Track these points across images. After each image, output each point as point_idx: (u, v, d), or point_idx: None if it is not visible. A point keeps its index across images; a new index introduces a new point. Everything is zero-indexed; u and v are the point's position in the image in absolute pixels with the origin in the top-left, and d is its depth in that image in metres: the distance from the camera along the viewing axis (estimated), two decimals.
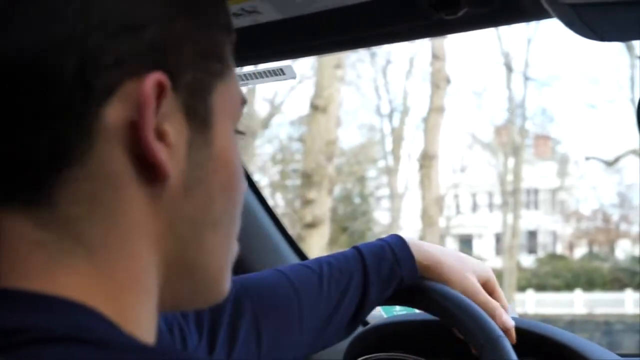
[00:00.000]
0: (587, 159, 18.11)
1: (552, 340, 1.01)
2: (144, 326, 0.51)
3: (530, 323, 1.04)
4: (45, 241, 0.47)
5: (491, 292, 1.00)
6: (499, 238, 20.50)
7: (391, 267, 0.95)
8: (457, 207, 20.96)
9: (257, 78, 1.11)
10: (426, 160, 13.38)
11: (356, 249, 0.97)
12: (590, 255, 18.55)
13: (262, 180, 13.27)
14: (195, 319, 0.85)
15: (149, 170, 0.49)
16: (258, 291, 0.90)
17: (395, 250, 0.96)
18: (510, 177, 16.40)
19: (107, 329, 0.46)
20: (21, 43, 0.46)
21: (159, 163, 0.49)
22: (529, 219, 20.26)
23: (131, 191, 0.49)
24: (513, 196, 16.55)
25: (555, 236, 20.29)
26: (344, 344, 1.19)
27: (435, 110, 12.92)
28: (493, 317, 0.96)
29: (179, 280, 0.53)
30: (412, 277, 0.97)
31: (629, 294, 16.65)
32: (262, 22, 0.93)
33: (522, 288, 17.62)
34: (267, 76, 1.10)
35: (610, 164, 16.59)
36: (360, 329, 1.24)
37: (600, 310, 16.28)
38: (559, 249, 20.21)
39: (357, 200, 16.82)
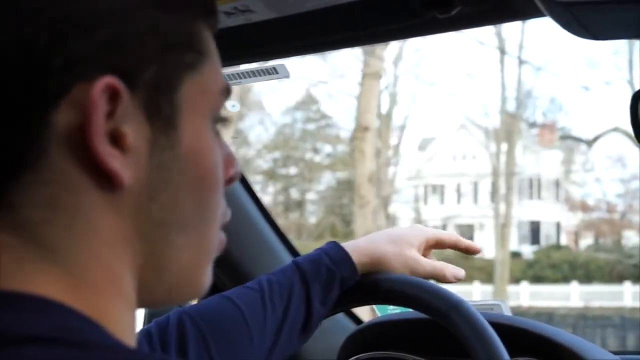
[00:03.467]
0: (563, 138, 17.77)
1: (549, 339, 1.01)
2: (123, 326, 0.50)
3: (527, 322, 1.04)
4: (10, 244, 0.47)
5: (440, 244, 1.06)
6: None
7: (328, 269, 0.97)
8: (459, 196, 20.73)
9: (250, 77, 1.11)
10: (359, 131, 12.34)
11: (293, 261, 0.99)
12: (596, 246, 18.36)
13: None
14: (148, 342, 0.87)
15: (104, 176, 0.48)
16: (205, 318, 0.91)
17: (330, 253, 0.99)
18: (508, 170, 16.22)
19: (89, 329, 0.46)
20: None
21: (111, 170, 0.47)
22: (532, 209, 20.09)
23: (90, 196, 0.48)
24: (506, 184, 16.36)
25: (559, 227, 20.13)
26: (338, 343, 1.19)
27: (370, 76, 12.01)
28: (444, 278, 1.01)
29: (153, 281, 0.52)
30: (353, 275, 0.99)
31: (627, 287, 16.55)
32: (255, 21, 0.93)
33: (517, 280, 17.53)
34: (260, 75, 1.10)
35: (589, 143, 16.49)
36: (354, 328, 1.24)
37: (597, 303, 16.13)
38: (564, 240, 20.06)
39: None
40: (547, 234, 20.52)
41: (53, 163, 0.46)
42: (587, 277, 17.39)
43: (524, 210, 20.43)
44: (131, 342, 0.51)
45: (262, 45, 1.02)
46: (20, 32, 0.45)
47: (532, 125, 18.17)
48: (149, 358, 0.48)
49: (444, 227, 20.93)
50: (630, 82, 14.45)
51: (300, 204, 17.99)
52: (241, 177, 1.40)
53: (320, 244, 1.03)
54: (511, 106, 16.30)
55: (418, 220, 19.43)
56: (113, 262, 0.49)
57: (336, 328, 1.39)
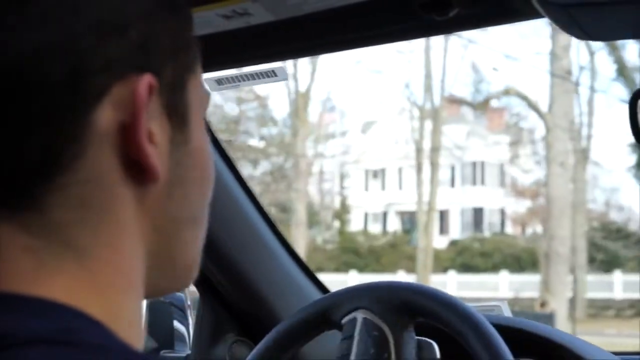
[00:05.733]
0: (449, 101, 17.13)
1: (550, 340, 1.01)
2: (133, 323, 0.51)
3: (528, 323, 1.04)
4: (33, 247, 0.47)
5: None
6: (442, 214, 19.92)
7: None
8: (400, 181, 20.08)
9: (248, 80, 1.11)
10: (296, 115, 12.40)
11: None
12: (535, 234, 17.73)
13: None
14: None
15: (138, 172, 0.49)
16: None
17: None
18: (433, 153, 15.75)
19: (91, 330, 0.46)
20: (11, 47, 0.45)
21: (151, 165, 0.49)
22: (475, 195, 19.52)
23: (120, 194, 0.49)
24: (431, 168, 16.07)
25: (503, 214, 19.52)
26: (335, 343, 1.19)
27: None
28: None
29: (159, 272, 0.54)
30: None
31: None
32: (254, 24, 0.93)
33: (445, 269, 17.14)
34: (258, 78, 1.10)
35: (479, 107, 16.15)
36: None
37: (528, 294, 15.69)
38: (509, 228, 19.48)
39: None
40: (490, 221, 19.86)
41: (90, 163, 0.47)
42: (520, 267, 16.97)
43: (467, 197, 19.95)
44: (138, 338, 0.51)
45: (261, 48, 1.02)
46: (62, 34, 0.46)
47: (479, 107, 17.80)
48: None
49: (385, 214, 20.45)
50: (553, 53, 14.34)
51: None
52: (245, 186, 1.40)
53: None
54: (456, 89, 15.96)
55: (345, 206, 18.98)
56: (132, 258, 0.50)
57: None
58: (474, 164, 19.83)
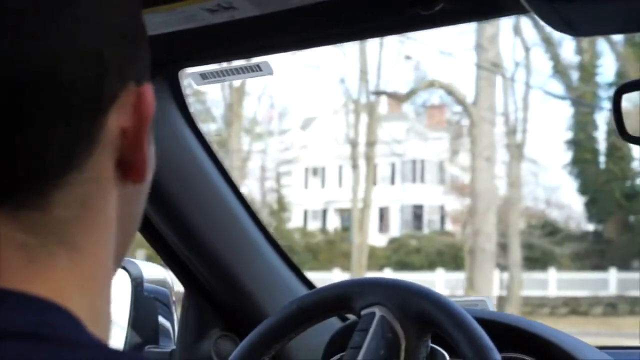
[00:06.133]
0: (375, 93, 16.72)
1: (533, 334, 1.02)
2: (106, 318, 0.52)
3: (511, 318, 1.05)
4: (28, 244, 0.47)
5: None
6: (382, 212, 19.87)
7: None
8: (340, 179, 19.79)
9: (233, 74, 1.10)
10: (232, 111, 12.38)
11: None
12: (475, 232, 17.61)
13: None
14: None
15: (126, 172, 0.51)
16: None
17: None
18: (369, 151, 15.51)
19: (67, 325, 0.46)
20: (43, 52, 0.46)
21: (147, 167, 0.52)
22: (415, 193, 19.37)
23: (112, 193, 0.51)
24: (367, 164, 15.88)
25: (443, 211, 19.36)
26: (324, 341, 1.19)
27: None
28: None
29: (114, 267, 0.55)
30: None
31: (496, 275, 15.65)
32: (239, 18, 0.93)
33: (381, 267, 16.93)
34: (243, 72, 1.10)
35: (402, 99, 15.96)
36: (339, 325, 1.24)
37: (462, 291, 15.44)
38: (449, 226, 19.27)
39: None
40: (430, 219, 19.72)
41: (95, 164, 0.49)
42: (456, 264, 16.81)
43: (407, 194, 19.84)
44: (108, 335, 0.52)
45: (246, 42, 1.02)
46: (91, 43, 0.48)
47: (403, 100, 17.61)
48: (125, 357, 0.49)
49: (324, 212, 20.38)
50: (478, 45, 14.24)
51: None
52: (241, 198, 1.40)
53: None
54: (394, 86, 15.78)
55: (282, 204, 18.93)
56: (110, 255, 0.52)
57: (322, 325, 1.39)
58: (413, 162, 19.76)
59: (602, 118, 15.86)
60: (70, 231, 0.48)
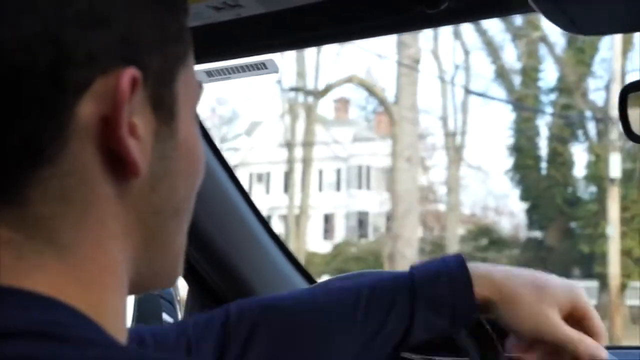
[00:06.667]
0: (292, 90, 16.45)
1: None
2: (118, 319, 0.50)
3: None
4: (13, 240, 0.46)
5: (581, 318, 0.85)
6: (327, 218, 19.69)
7: (443, 296, 0.84)
8: (286, 185, 19.31)
9: (238, 72, 1.10)
10: None
11: (410, 272, 0.87)
12: (420, 238, 16.70)
13: None
14: (215, 340, 0.82)
15: (119, 167, 0.48)
16: (279, 319, 0.84)
17: (453, 275, 0.84)
18: (306, 156, 15.15)
19: (81, 324, 0.46)
20: None
21: (132, 159, 0.48)
22: (360, 199, 19.10)
23: (101, 188, 0.48)
24: (303, 169, 15.57)
25: (388, 218, 18.65)
26: None
27: None
28: (576, 351, 0.82)
29: (145, 267, 0.53)
30: (469, 310, 0.84)
31: None
32: (245, 16, 0.93)
33: (319, 273, 16.96)
34: (248, 70, 1.10)
35: (318, 95, 15.76)
36: None
37: None
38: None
39: None
40: (375, 225, 19.35)
41: (72, 156, 0.47)
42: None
43: (353, 201, 19.69)
44: (123, 334, 0.51)
45: (252, 40, 1.02)
46: (45, 25, 0.45)
47: (320, 96, 16.89)
48: (139, 356, 0.48)
49: (269, 219, 20.20)
50: (400, 41, 13.97)
51: None
52: (243, 192, 1.40)
53: None
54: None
55: None
56: (116, 253, 0.50)
57: None
58: (359, 168, 19.64)
59: (544, 123, 15.72)
60: (55, 229, 0.47)
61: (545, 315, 0.83)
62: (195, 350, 0.81)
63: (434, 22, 0.94)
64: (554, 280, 0.85)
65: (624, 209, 12.90)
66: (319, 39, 1.04)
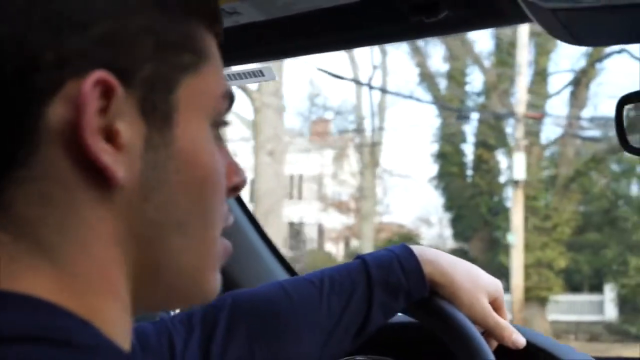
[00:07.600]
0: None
1: (546, 352, 1.00)
2: (116, 328, 0.49)
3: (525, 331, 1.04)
4: (2, 241, 0.46)
5: (497, 309, 0.97)
6: None
7: (397, 279, 0.91)
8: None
9: (236, 79, 1.10)
10: None
11: (362, 260, 0.93)
12: (355, 250, 16.02)
13: None
14: (200, 337, 0.83)
15: (97, 173, 0.47)
16: (254, 310, 0.87)
17: (402, 261, 0.92)
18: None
19: (78, 328, 0.45)
20: None
21: (104, 166, 0.47)
22: (292, 210, 18.00)
23: (83, 193, 0.48)
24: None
25: (321, 230, 18.17)
26: None
27: None
28: (502, 338, 0.95)
29: (151, 282, 0.52)
30: (421, 291, 0.93)
31: None
32: (243, 24, 0.93)
33: None
34: (246, 77, 1.10)
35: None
36: None
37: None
38: (328, 244, 18.08)
39: None
40: (310, 237, 18.29)
41: (45, 160, 0.46)
42: None
43: (285, 211, 18.21)
44: (124, 339, 0.50)
45: (250, 47, 1.02)
46: (13, 27, 0.45)
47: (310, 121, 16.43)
48: None
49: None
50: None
51: None
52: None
53: None
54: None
55: None
56: (106, 261, 0.49)
57: None
58: (291, 177, 18.99)
59: (470, 129, 14.95)
60: (38, 230, 0.47)
61: (478, 302, 0.94)
62: (183, 348, 0.82)
63: (432, 31, 0.94)
64: (483, 273, 0.97)
65: (545, 217, 12.38)
66: (317, 47, 1.04)
